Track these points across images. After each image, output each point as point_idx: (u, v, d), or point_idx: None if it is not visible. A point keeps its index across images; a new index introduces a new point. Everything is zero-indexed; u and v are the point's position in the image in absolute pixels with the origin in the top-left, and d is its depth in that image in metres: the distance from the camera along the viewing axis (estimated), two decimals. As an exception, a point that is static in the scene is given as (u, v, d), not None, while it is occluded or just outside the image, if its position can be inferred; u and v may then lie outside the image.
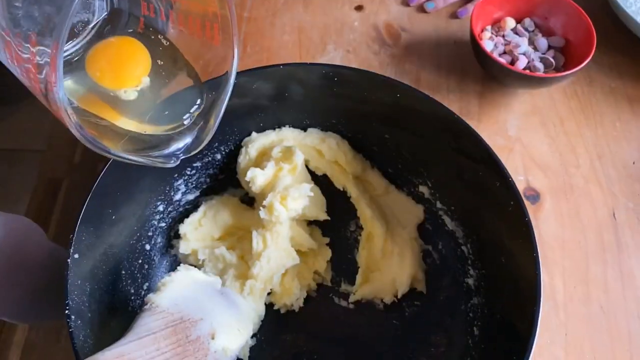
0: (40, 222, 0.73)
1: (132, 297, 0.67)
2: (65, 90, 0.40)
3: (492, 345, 0.61)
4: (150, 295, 0.53)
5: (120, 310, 0.64)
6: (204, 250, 0.72)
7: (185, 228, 0.72)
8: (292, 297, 0.72)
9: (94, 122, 0.51)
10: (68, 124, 0.42)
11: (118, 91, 0.54)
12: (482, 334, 0.64)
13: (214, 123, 0.56)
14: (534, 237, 0.55)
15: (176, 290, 0.54)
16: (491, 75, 0.88)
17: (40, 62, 0.38)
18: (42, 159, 0.87)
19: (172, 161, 0.53)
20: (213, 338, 0.52)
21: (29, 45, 0.38)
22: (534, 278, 0.54)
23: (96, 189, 0.58)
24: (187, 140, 0.55)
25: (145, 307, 0.52)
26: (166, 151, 0.54)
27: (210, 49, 0.55)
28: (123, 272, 0.65)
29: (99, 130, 0.51)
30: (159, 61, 0.56)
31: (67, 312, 0.51)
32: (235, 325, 0.56)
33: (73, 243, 0.55)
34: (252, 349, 0.69)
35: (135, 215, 0.67)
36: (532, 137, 0.86)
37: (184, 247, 0.71)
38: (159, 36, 0.56)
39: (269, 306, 0.72)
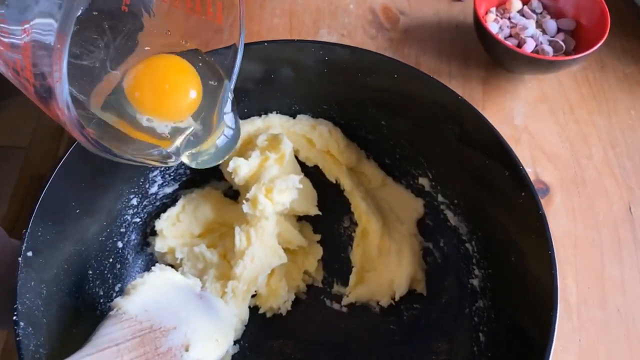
0: (21, 219, 0.69)
1: (102, 300, 0.61)
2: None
3: (501, 353, 0.55)
4: (117, 300, 0.47)
5: (86, 315, 0.57)
6: (182, 248, 0.65)
7: (161, 224, 0.65)
8: (279, 299, 0.66)
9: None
10: (69, 126, 0.35)
11: (153, 121, 0.45)
12: (488, 340, 0.58)
13: (218, 120, 0.49)
14: (549, 233, 0.49)
15: (148, 294, 0.48)
16: (496, 60, 0.81)
17: (37, 50, 0.31)
18: (24, 155, 0.82)
19: (172, 160, 0.46)
20: (187, 350, 0.46)
21: (19, 27, 0.31)
22: (549, 279, 0.48)
23: (55, 179, 0.51)
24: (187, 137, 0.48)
25: (111, 313, 0.46)
26: (165, 151, 0.46)
27: (207, 28, 0.48)
28: (90, 272, 0.59)
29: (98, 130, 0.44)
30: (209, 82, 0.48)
31: (15, 317, 0.44)
32: (213, 335, 0.50)
33: (26, 239, 0.48)
34: (234, 356, 0.63)
35: (105, 209, 0.61)
36: (541, 126, 0.79)
37: (160, 245, 0.65)
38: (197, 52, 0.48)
39: (253, 310, 0.65)
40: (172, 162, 0.46)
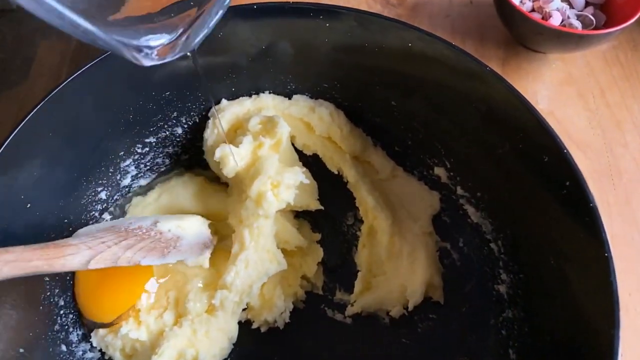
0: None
1: (62, 312, 0.51)
2: None
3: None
4: None
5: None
6: None
7: (132, 211, 0.56)
8: (275, 311, 0.56)
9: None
10: None
11: None
12: (521, 359, 0.49)
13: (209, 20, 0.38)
14: (603, 230, 0.40)
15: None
16: (517, 37, 0.72)
17: None
18: None
19: (144, 55, 0.36)
20: (156, 224, 0.49)
21: None
22: (605, 288, 0.38)
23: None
24: (164, 39, 0.38)
25: None
26: (135, 41, 0.36)
27: None
28: (47, 279, 0.50)
29: None
30: None
31: None
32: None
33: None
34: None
35: (63, 202, 0.51)
36: (568, 111, 0.70)
37: None
38: None
39: (244, 325, 0.56)
40: (145, 60, 0.36)
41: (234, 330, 0.54)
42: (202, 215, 0.59)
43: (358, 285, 0.57)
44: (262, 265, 0.54)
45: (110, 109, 0.51)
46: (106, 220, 0.57)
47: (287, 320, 0.57)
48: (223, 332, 0.53)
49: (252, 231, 0.53)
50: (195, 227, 0.53)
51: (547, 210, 0.46)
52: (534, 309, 0.49)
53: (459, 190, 0.57)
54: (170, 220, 0.51)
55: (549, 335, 0.45)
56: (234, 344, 0.54)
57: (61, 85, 0.46)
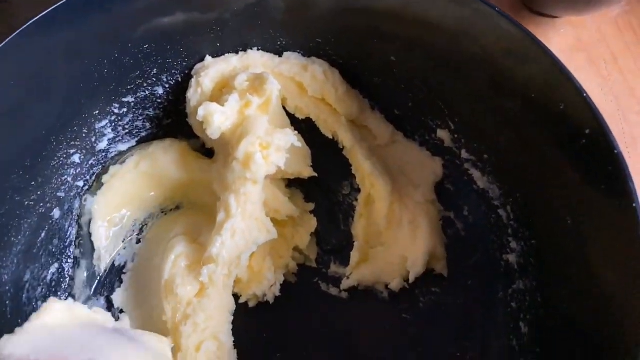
0: None
1: (28, 286, 0.47)
2: None
3: (555, 349, 0.41)
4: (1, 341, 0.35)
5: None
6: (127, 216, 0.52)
7: (110, 182, 0.52)
8: (264, 284, 0.52)
9: None
10: None
11: None
12: (535, 332, 0.44)
13: None
14: (629, 177, 0.35)
15: (42, 332, 0.37)
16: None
17: None
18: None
19: None
20: None
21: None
22: (633, 245, 0.34)
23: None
24: None
25: None
26: None
27: None
28: (13, 238, 0.45)
29: None
30: None
31: None
32: None
33: None
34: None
35: (30, 162, 0.46)
36: (579, 77, 0.66)
37: (100, 210, 0.51)
38: None
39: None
40: None
41: (231, 304, 0.50)
42: (184, 184, 0.55)
43: (354, 256, 0.52)
44: (250, 234, 0.49)
45: (81, 59, 0.46)
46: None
47: (278, 294, 0.52)
48: (221, 309, 0.48)
49: (239, 197, 0.48)
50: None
51: (563, 166, 0.41)
52: (547, 278, 0.44)
53: (464, 154, 0.53)
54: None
55: (565, 304, 0.41)
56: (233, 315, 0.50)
57: (22, 29, 0.41)
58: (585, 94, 0.39)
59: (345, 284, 0.52)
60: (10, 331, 0.33)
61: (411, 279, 0.50)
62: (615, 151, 0.36)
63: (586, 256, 0.39)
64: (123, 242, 0.55)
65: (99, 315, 0.40)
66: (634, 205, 0.34)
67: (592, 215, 0.39)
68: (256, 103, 0.51)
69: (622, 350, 0.35)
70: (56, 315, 0.37)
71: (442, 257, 0.52)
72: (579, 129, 0.39)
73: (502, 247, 0.50)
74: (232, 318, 0.50)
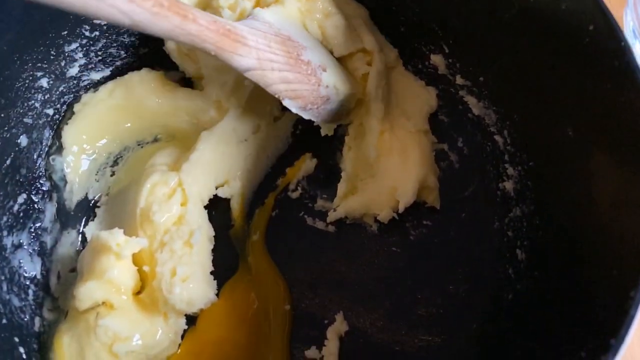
0: None
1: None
2: None
3: (553, 271, 0.38)
4: (257, 10, 0.45)
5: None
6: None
7: (82, 110, 0.49)
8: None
9: None
10: None
11: None
12: (532, 257, 0.41)
13: None
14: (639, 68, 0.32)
15: (282, 18, 0.46)
16: None
17: None
18: None
19: None
20: (325, 70, 0.46)
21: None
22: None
23: None
24: None
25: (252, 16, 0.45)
26: None
27: None
28: None
29: None
30: None
31: None
32: (341, 75, 0.48)
33: None
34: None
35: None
36: None
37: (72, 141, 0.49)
38: None
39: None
40: None
41: (210, 231, 0.48)
42: (164, 115, 0.52)
43: (342, 187, 0.49)
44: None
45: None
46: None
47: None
48: (200, 237, 0.46)
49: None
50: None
51: (565, 73, 0.38)
52: (546, 198, 0.41)
53: (459, 80, 0.50)
54: (337, 75, 0.47)
55: (565, 221, 0.38)
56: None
57: None
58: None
59: (332, 216, 0.49)
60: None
61: (401, 208, 0.47)
62: (622, 43, 0.33)
63: (588, 166, 0.36)
64: (96, 174, 0.52)
65: None
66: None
67: (597, 118, 0.36)
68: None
69: (623, 266, 0.32)
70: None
71: (435, 187, 0.49)
72: (581, 28, 0.35)
73: (498, 175, 0.47)
74: (211, 246, 0.48)
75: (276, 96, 0.44)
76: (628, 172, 0.33)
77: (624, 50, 0.33)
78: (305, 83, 0.44)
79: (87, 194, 0.51)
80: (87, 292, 0.42)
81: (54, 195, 0.50)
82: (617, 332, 0.26)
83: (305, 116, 0.47)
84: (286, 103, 0.44)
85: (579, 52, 0.36)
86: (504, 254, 0.45)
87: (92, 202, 0.52)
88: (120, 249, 0.43)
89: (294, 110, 0.45)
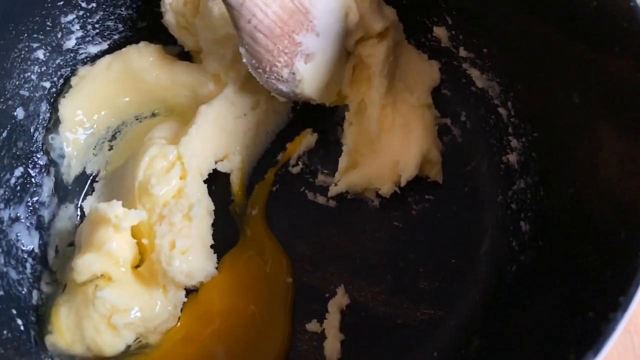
0: None
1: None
2: None
3: (559, 239, 0.38)
4: None
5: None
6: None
7: (79, 84, 0.48)
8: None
9: None
10: None
11: None
12: (535, 228, 0.41)
13: None
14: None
15: None
16: None
17: None
18: None
19: None
20: (307, 63, 0.46)
21: None
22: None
23: None
24: None
25: None
26: None
27: None
28: None
29: None
30: None
31: None
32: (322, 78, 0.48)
33: None
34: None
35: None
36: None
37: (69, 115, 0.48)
38: None
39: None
40: None
41: (210, 205, 0.48)
42: (163, 89, 0.51)
43: (343, 161, 0.49)
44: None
45: None
46: None
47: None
48: (199, 210, 0.45)
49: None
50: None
51: (571, 36, 0.37)
52: (551, 168, 0.41)
53: (462, 52, 0.49)
54: (316, 74, 0.46)
55: (570, 188, 0.37)
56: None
57: None
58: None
59: (333, 190, 0.49)
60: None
61: (403, 182, 0.47)
62: (631, 3, 0.32)
63: (594, 133, 0.35)
64: (94, 149, 0.51)
65: None
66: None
67: (603, 84, 0.35)
68: None
69: (630, 227, 0.31)
70: None
71: (437, 161, 0.49)
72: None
73: (502, 148, 0.47)
74: (211, 220, 0.47)
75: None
76: (634, 137, 0.32)
77: (634, 10, 0.32)
78: (272, 55, 0.44)
79: (85, 168, 0.51)
80: (85, 264, 0.42)
81: (52, 169, 0.49)
82: (626, 290, 0.26)
83: (253, 73, 0.46)
84: (242, 51, 0.44)
85: (586, 16, 0.35)
86: (507, 227, 0.44)
87: (91, 176, 0.51)
88: (119, 221, 0.42)
89: (244, 60, 0.44)
